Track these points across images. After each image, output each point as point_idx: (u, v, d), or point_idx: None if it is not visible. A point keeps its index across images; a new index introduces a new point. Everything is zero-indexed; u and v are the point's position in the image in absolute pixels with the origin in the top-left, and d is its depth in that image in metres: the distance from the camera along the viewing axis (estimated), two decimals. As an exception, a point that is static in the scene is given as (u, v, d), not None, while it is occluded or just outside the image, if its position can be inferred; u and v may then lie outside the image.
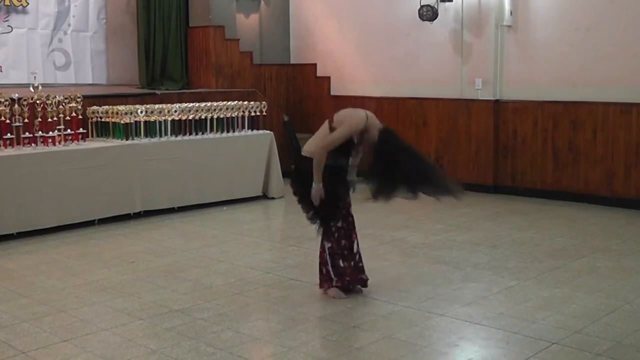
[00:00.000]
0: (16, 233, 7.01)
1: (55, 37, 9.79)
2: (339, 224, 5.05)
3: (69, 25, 9.90)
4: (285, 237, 7.42)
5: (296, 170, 5.21)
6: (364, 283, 5.23)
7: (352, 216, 5.15)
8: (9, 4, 9.29)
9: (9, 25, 9.34)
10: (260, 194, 9.12)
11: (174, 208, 8.27)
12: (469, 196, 9.11)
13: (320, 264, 5.16)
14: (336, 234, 5.05)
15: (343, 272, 5.09)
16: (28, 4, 9.45)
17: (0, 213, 6.88)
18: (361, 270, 5.21)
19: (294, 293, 5.33)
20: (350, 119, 4.91)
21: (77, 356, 4.18)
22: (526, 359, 4.08)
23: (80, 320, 4.76)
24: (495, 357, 4.16)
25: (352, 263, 5.13)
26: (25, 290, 5.44)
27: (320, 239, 5.15)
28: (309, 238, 7.05)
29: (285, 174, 9.64)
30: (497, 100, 9.31)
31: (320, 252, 5.14)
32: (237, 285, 5.52)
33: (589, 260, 6.14)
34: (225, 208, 8.56)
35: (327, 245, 5.08)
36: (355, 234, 5.18)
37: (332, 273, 5.09)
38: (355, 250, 5.16)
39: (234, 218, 8.10)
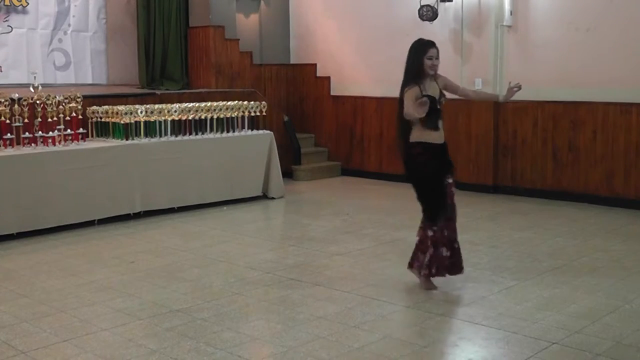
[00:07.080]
0: (16, 233, 7.01)
1: (55, 37, 9.80)
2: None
3: (69, 25, 9.91)
4: (285, 237, 7.42)
5: (405, 158, 5.34)
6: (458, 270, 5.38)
7: (454, 208, 5.31)
8: (9, 4, 9.29)
9: (9, 25, 9.34)
10: (260, 194, 9.12)
11: (174, 208, 8.27)
12: (469, 196, 9.13)
13: (418, 249, 5.28)
14: (439, 224, 5.20)
15: (442, 262, 5.23)
16: (28, 4, 9.45)
17: (0, 213, 6.89)
18: (456, 263, 5.35)
19: (294, 293, 5.33)
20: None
21: (77, 356, 4.19)
22: (526, 359, 4.08)
23: (80, 320, 4.76)
24: (495, 357, 4.16)
25: (451, 253, 5.28)
26: (25, 290, 5.44)
27: (423, 224, 5.28)
28: (309, 238, 7.07)
29: (285, 174, 9.67)
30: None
31: (422, 239, 5.26)
32: (237, 285, 5.52)
33: (589, 260, 6.14)
34: (225, 208, 8.56)
35: (430, 233, 5.21)
36: (455, 226, 5.32)
37: (431, 262, 5.22)
38: (457, 241, 5.32)
39: (234, 218, 8.10)
